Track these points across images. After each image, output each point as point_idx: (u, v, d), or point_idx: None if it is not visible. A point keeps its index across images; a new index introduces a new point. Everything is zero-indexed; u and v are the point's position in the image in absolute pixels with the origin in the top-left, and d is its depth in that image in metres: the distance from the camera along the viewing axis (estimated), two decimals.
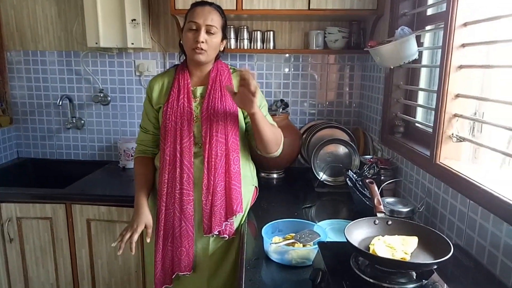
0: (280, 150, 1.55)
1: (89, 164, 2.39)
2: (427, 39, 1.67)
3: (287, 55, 2.28)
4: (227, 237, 1.48)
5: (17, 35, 2.31)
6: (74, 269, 1.93)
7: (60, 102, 2.21)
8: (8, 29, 2.30)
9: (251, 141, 1.57)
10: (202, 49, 1.39)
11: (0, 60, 2.31)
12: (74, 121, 2.36)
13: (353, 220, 1.07)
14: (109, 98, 2.35)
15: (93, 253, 1.91)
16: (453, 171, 1.22)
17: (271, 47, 2.17)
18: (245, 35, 2.15)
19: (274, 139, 1.48)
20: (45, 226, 1.88)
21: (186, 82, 1.46)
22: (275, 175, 2.13)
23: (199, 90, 1.48)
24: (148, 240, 1.46)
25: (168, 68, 1.59)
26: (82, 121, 2.39)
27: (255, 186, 1.67)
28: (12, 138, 2.43)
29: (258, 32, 2.15)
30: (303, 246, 1.20)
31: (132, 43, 2.07)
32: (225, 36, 1.49)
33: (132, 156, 2.23)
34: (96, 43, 2.07)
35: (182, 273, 1.45)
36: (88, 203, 1.85)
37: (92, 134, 2.42)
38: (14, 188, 1.94)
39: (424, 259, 0.96)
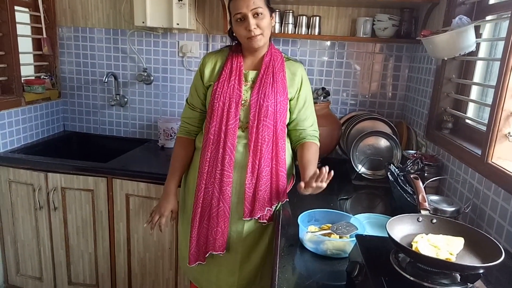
0: None
1: (129, 141, 2.46)
2: (486, 30, 1.56)
3: (329, 42, 2.21)
4: (266, 222, 1.48)
5: (69, 11, 2.38)
6: (112, 241, 2.01)
7: (106, 79, 2.27)
8: (61, 5, 2.38)
9: (291, 136, 1.58)
10: (256, 34, 1.38)
11: (52, 36, 2.40)
12: (118, 99, 2.43)
13: (391, 216, 1.03)
14: (152, 78, 2.39)
15: (130, 227, 1.97)
16: (507, 172, 1.15)
17: (316, 33, 2.12)
18: (290, 19, 2.10)
19: None
20: (87, 197, 1.97)
21: (239, 64, 1.45)
22: None
23: (251, 74, 1.47)
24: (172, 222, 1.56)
25: (222, 48, 1.58)
26: (125, 99, 2.45)
27: (293, 174, 1.65)
28: (60, 111, 2.54)
29: (304, 17, 2.10)
30: (340, 237, 1.18)
31: (178, 24, 2.08)
32: (271, 10, 1.44)
33: (171, 136, 2.27)
34: (143, 22, 2.10)
35: (216, 252, 1.47)
36: (128, 179, 1.90)
37: (134, 112, 2.48)
38: (60, 159, 2.02)
39: (470, 261, 0.91)
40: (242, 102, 1.43)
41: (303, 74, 1.52)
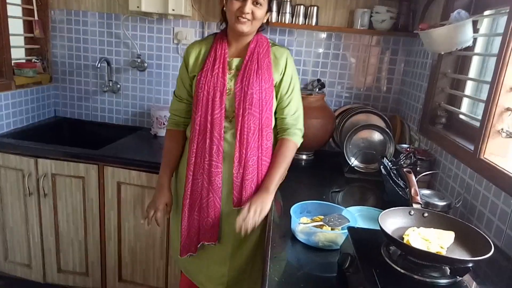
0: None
1: (122, 129, 2.44)
2: (484, 25, 1.56)
3: (325, 34, 2.19)
4: None
5: None
6: (102, 229, 1.99)
7: (99, 65, 2.24)
8: None
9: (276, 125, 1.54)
10: (246, 19, 1.35)
11: (44, 18, 2.34)
12: (110, 85, 2.39)
13: (383, 209, 1.03)
14: (145, 64, 2.35)
15: (121, 216, 1.96)
16: (499, 168, 1.16)
17: (313, 24, 2.10)
18: (288, 9, 2.08)
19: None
20: (78, 184, 1.94)
21: (223, 52, 1.43)
22: (304, 157, 2.10)
23: (235, 62, 1.44)
24: (168, 216, 1.58)
25: (207, 36, 1.55)
26: (118, 86, 2.42)
27: None
28: (51, 96, 2.50)
29: (302, 6, 2.07)
30: (331, 229, 1.18)
31: (173, 9, 2.05)
32: (270, 9, 1.44)
33: (164, 124, 2.25)
34: (138, 7, 2.05)
35: (207, 243, 1.47)
36: (119, 166, 1.88)
37: (127, 99, 2.45)
38: (50, 145, 1.99)
39: (460, 255, 0.92)
40: (227, 91, 1.41)
41: (288, 59, 1.48)
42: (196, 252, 1.51)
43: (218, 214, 1.46)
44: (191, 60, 1.48)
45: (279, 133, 1.52)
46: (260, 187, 1.44)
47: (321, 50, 2.23)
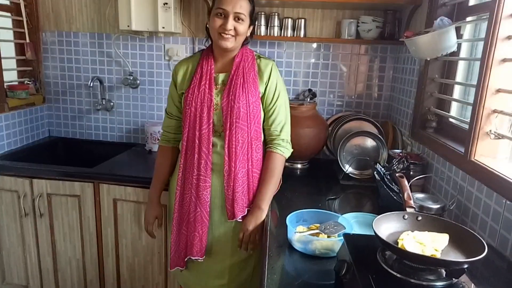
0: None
1: (116, 146, 2.44)
2: (467, 31, 1.60)
3: (314, 45, 2.23)
4: None
5: (52, 15, 2.35)
6: (100, 246, 1.98)
7: (91, 84, 2.25)
8: (45, 10, 2.34)
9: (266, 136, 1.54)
10: (229, 35, 1.38)
11: (36, 40, 2.36)
12: (103, 103, 2.40)
13: (378, 214, 1.04)
14: (138, 82, 2.37)
15: (118, 233, 1.95)
16: (489, 169, 1.18)
17: (302, 35, 2.13)
18: (276, 22, 2.12)
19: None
20: (74, 203, 1.94)
21: (209, 68, 1.45)
22: (299, 166, 2.11)
23: (221, 77, 1.46)
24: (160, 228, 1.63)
25: (194, 53, 1.59)
26: (111, 103, 2.43)
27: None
28: (45, 117, 2.50)
29: (289, 19, 2.11)
30: (328, 237, 1.19)
31: (163, 27, 2.08)
32: (252, 22, 1.46)
33: (158, 139, 2.25)
34: (128, 26, 2.08)
35: (194, 258, 1.46)
36: (115, 183, 1.88)
37: (121, 117, 2.46)
38: (45, 165, 1.99)
39: (455, 257, 0.93)
40: (214, 106, 1.43)
41: (272, 70, 1.48)
42: (184, 266, 1.51)
43: (205, 229, 1.46)
44: (179, 78, 1.50)
45: (266, 145, 1.53)
46: (252, 206, 1.46)
47: (311, 61, 2.26)
